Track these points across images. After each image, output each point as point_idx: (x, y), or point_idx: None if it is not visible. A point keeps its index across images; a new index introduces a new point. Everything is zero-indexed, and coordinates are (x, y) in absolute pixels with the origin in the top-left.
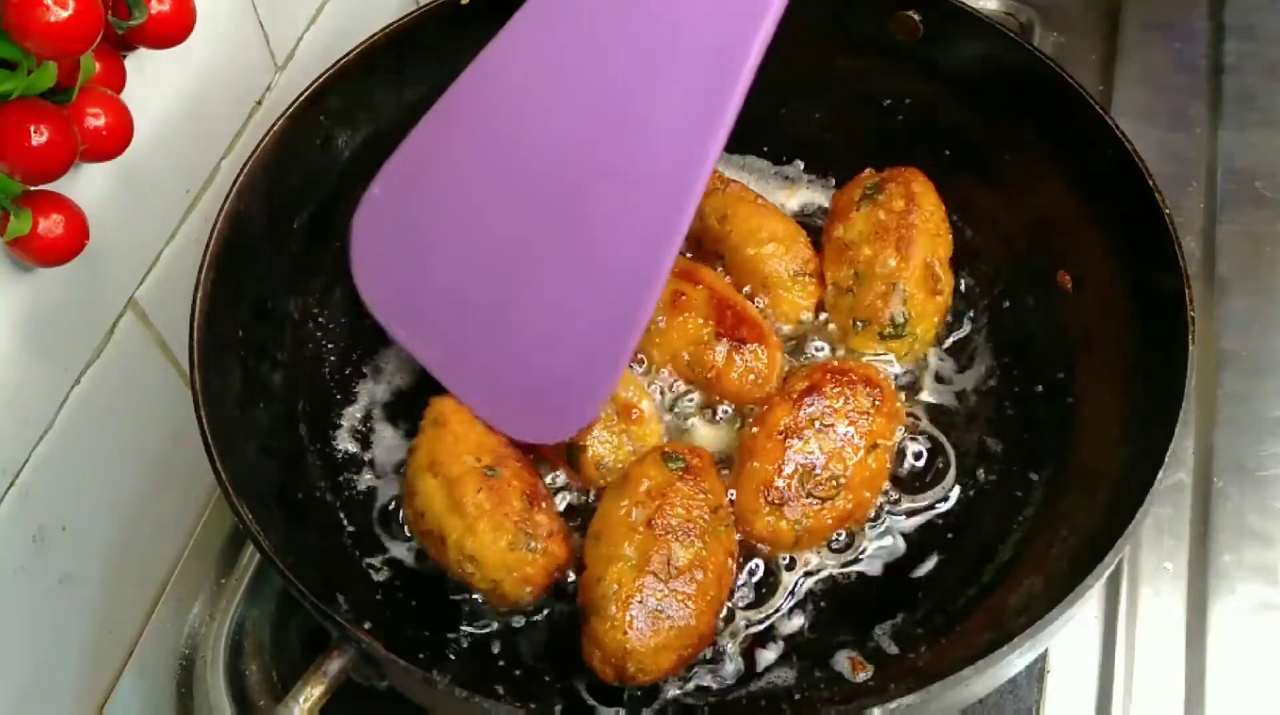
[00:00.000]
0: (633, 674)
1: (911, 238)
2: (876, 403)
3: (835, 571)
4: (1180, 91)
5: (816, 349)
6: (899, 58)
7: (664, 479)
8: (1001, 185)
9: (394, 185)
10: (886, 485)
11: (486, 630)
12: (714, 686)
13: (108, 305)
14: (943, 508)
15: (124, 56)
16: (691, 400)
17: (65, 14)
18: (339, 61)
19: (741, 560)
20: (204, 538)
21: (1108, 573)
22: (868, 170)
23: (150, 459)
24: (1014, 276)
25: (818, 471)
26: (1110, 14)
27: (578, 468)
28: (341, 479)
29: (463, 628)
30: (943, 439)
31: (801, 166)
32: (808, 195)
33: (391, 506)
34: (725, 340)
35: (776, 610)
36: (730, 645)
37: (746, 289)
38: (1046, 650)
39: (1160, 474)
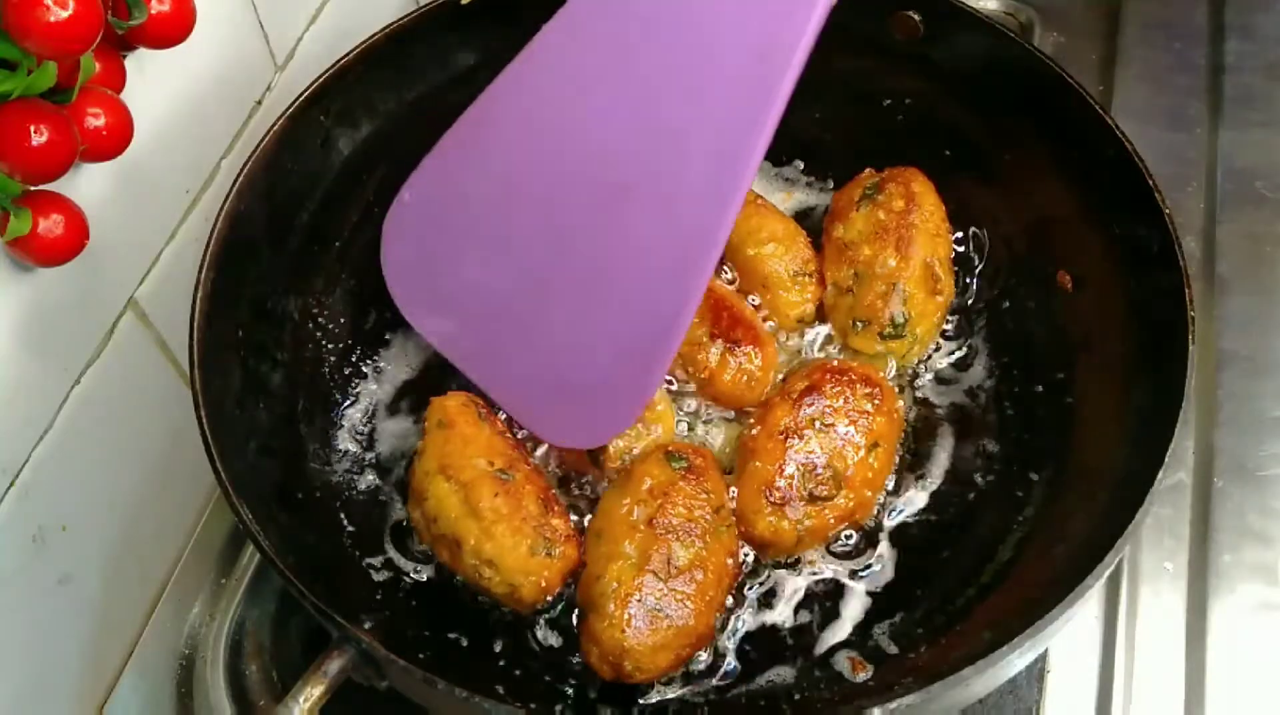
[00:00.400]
0: (630, 672)
1: (911, 238)
2: (876, 402)
3: (835, 571)
4: (1180, 91)
5: (816, 349)
6: (899, 58)
7: (666, 478)
8: (1001, 185)
9: (425, 191)
10: (887, 485)
11: (487, 630)
12: (714, 686)
13: (108, 305)
14: (942, 508)
15: (124, 56)
16: (691, 401)
17: (65, 14)
18: (339, 61)
19: (742, 560)
20: (204, 538)
21: (1108, 573)
22: (867, 170)
23: (150, 459)
24: (1014, 276)
25: (819, 471)
26: (1110, 14)
27: (600, 464)
28: (342, 479)
29: (463, 627)
30: (941, 438)
31: (801, 167)
32: (808, 195)
33: (393, 506)
34: (720, 341)
35: (777, 610)
36: (730, 645)
37: (751, 297)
38: (1047, 650)
39: (1160, 474)
